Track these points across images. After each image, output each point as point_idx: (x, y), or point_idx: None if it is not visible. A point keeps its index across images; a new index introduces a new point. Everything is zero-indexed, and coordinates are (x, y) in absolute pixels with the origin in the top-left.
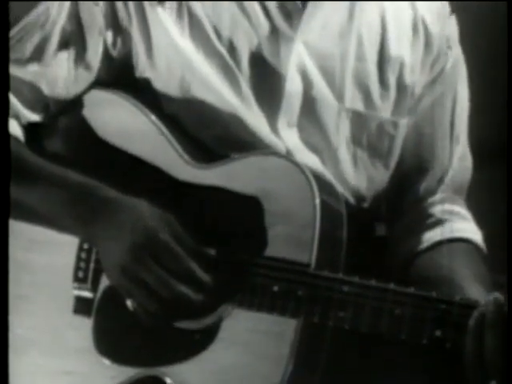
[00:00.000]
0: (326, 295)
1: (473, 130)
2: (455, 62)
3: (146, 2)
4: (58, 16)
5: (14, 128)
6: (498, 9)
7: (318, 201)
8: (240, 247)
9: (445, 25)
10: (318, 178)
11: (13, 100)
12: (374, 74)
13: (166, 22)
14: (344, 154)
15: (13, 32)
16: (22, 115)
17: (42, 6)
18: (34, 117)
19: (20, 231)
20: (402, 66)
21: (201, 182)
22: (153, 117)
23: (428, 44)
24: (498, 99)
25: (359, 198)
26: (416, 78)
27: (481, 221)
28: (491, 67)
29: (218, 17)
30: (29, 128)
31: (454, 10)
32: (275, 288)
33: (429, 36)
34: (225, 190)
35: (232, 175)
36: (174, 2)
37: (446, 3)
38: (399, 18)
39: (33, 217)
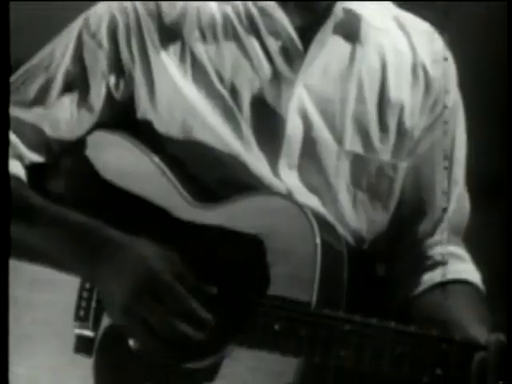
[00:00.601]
0: (327, 334)
1: (470, 170)
2: (454, 106)
3: (149, 46)
4: (61, 59)
5: (17, 168)
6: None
7: (318, 240)
8: (242, 286)
9: (444, 69)
10: (319, 217)
11: (16, 141)
12: (374, 117)
13: (168, 65)
14: (344, 196)
15: (17, 75)
16: (25, 156)
17: (46, 49)
18: (37, 158)
19: (21, 269)
20: (401, 109)
21: (203, 221)
22: (155, 158)
23: (427, 88)
24: (496, 140)
25: (359, 239)
26: (415, 121)
27: (479, 260)
28: (490, 106)
29: (220, 60)
30: (32, 169)
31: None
32: (276, 327)
33: (428, 80)
34: (227, 229)
35: (234, 215)
36: (178, 46)
37: (445, 49)
38: (399, 62)
39: (34, 256)
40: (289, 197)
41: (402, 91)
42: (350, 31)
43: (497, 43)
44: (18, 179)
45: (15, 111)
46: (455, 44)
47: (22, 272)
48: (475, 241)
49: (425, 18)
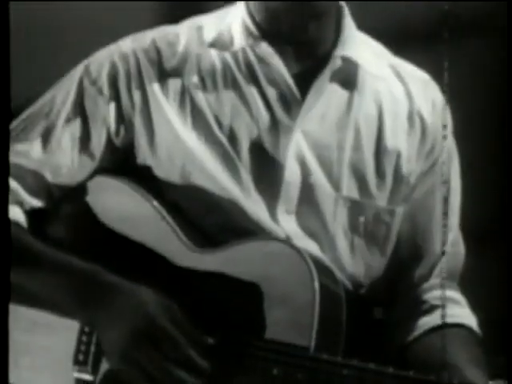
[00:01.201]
0: (325, 378)
1: (465, 214)
2: (449, 152)
3: (149, 92)
4: (62, 105)
5: (17, 214)
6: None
7: (317, 284)
8: (240, 331)
9: (439, 116)
10: (317, 262)
11: (16, 187)
12: (371, 164)
13: (168, 111)
14: (341, 241)
15: (17, 121)
16: (25, 202)
17: (46, 96)
18: (37, 203)
19: (20, 313)
20: (398, 156)
21: (202, 267)
22: (155, 202)
23: (424, 135)
24: (491, 184)
25: (357, 284)
26: (412, 168)
27: (475, 304)
28: (486, 150)
29: (219, 107)
30: (32, 214)
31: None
32: (275, 371)
33: (424, 127)
34: (225, 275)
35: (232, 260)
36: (178, 92)
37: (441, 96)
38: (395, 109)
39: (33, 301)
40: (287, 241)
41: (398, 138)
42: (348, 79)
43: (496, 92)
44: (18, 225)
45: (16, 158)
46: (453, 88)
47: (20, 316)
48: (471, 284)
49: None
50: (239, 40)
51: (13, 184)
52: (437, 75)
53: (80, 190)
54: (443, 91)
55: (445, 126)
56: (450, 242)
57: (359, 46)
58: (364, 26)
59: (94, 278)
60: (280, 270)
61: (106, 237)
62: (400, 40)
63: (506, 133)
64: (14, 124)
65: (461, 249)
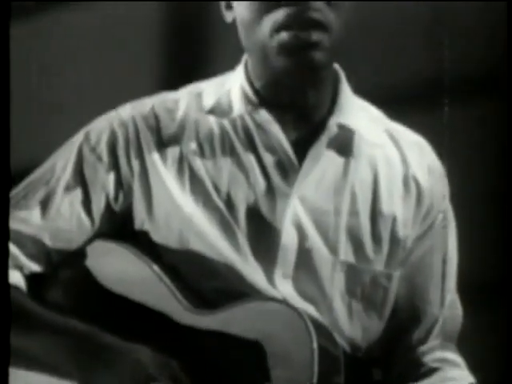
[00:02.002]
0: None
1: (463, 274)
2: (445, 216)
3: (147, 159)
4: (62, 172)
5: (17, 278)
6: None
7: (315, 345)
8: None
9: (435, 180)
10: (316, 322)
11: (16, 252)
12: (367, 228)
13: (166, 178)
14: (339, 305)
15: (17, 189)
16: (24, 266)
17: (46, 164)
18: (37, 267)
19: (17, 375)
20: (394, 221)
21: (200, 326)
22: (153, 266)
23: (419, 199)
24: (488, 244)
25: (355, 347)
26: (408, 232)
27: (474, 365)
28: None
29: (217, 173)
30: (31, 278)
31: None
32: None
33: (420, 192)
34: (225, 334)
35: (231, 320)
36: (176, 159)
37: (436, 161)
38: (391, 174)
39: (33, 364)
40: (284, 302)
41: (394, 203)
42: (344, 145)
43: (496, 155)
44: (17, 289)
45: (15, 224)
46: (452, 152)
47: (18, 377)
48: (469, 345)
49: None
50: (238, 107)
51: (13, 249)
52: (436, 138)
53: (79, 254)
54: (440, 154)
55: (441, 190)
56: (447, 304)
57: (355, 113)
58: (361, 89)
59: (93, 340)
60: (278, 329)
61: (105, 300)
62: (398, 102)
63: (504, 194)
64: (14, 191)
65: (458, 311)
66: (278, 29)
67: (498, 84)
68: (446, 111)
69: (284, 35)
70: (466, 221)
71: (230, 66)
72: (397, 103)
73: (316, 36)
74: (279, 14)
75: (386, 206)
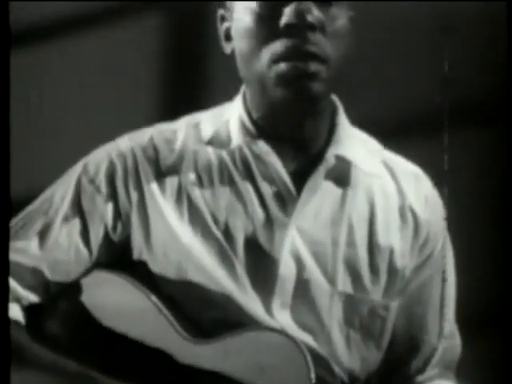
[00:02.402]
0: None
1: (461, 303)
2: (443, 245)
3: (146, 190)
4: (60, 203)
5: (15, 312)
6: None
7: (313, 376)
8: None
9: (432, 210)
10: (313, 352)
11: (14, 285)
12: (365, 259)
13: (164, 208)
14: (337, 335)
15: (16, 220)
16: (22, 298)
17: (45, 194)
18: (35, 298)
19: None
20: (391, 251)
21: (199, 360)
22: (151, 296)
23: (416, 230)
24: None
25: (353, 378)
26: (406, 262)
27: None
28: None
29: (215, 203)
30: (29, 309)
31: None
32: None
33: (417, 222)
34: (221, 374)
35: (229, 350)
36: (174, 189)
37: (433, 191)
38: (387, 205)
39: None
40: (283, 332)
41: (390, 234)
42: (341, 176)
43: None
44: (16, 323)
45: (14, 256)
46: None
47: None
48: (467, 374)
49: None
50: (236, 138)
51: (10, 281)
52: (436, 164)
53: (77, 285)
54: (440, 181)
55: (437, 220)
56: (446, 333)
57: (353, 144)
58: (360, 116)
59: (83, 382)
60: (276, 360)
61: (102, 334)
62: (398, 132)
63: (504, 221)
64: (12, 222)
65: (457, 340)
66: (276, 60)
67: (498, 109)
68: (445, 137)
69: (282, 66)
70: (465, 248)
71: (227, 96)
72: (396, 130)
73: (314, 67)
74: (278, 46)
75: (383, 237)
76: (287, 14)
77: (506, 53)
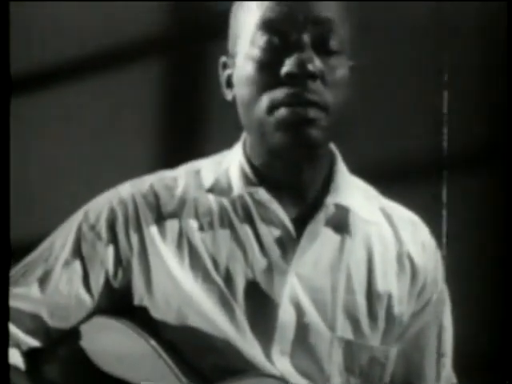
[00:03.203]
0: None
1: (458, 349)
2: (440, 292)
3: (147, 236)
4: (61, 250)
5: (15, 358)
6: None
7: None
8: None
9: (430, 257)
10: None
11: (14, 330)
12: (363, 306)
13: (165, 254)
14: (337, 381)
15: (17, 268)
16: (22, 343)
17: (46, 242)
18: (35, 343)
19: None
20: (389, 298)
21: None
22: (151, 341)
23: (414, 276)
24: (483, 319)
25: None
26: (403, 309)
27: None
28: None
29: (216, 249)
30: (29, 354)
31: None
32: None
33: (414, 268)
34: None
35: None
36: (175, 235)
37: (430, 238)
38: (385, 252)
39: None
40: (283, 378)
41: (388, 280)
42: (340, 223)
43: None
44: (16, 369)
45: (14, 302)
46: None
47: None
48: None
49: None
50: (237, 186)
51: (11, 327)
52: (434, 213)
53: (77, 331)
54: (432, 231)
55: (435, 267)
56: (443, 380)
57: (351, 192)
58: (359, 164)
59: None
60: None
61: (102, 378)
62: (396, 179)
63: (502, 273)
64: (13, 270)
65: None
66: (276, 105)
67: (498, 154)
68: (444, 187)
69: (282, 111)
70: (463, 297)
71: (227, 144)
72: (395, 178)
73: (313, 113)
74: (278, 93)
75: (380, 284)
76: (289, 64)
77: (505, 96)
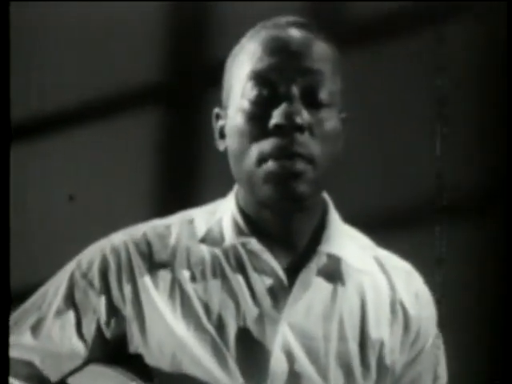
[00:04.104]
0: None
1: None
2: (434, 342)
3: (140, 284)
4: (53, 298)
5: None
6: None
7: None
8: None
9: (423, 306)
10: None
11: (10, 380)
12: (356, 354)
13: (158, 302)
14: None
15: (11, 316)
16: None
17: (39, 291)
18: None
19: None
20: (381, 346)
21: None
22: None
23: (407, 325)
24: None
25: None
26: (396, 358)
27: None
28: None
29: (208, 298)
30: None
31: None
32: None
33: (407, 317)
34: None
35: None
36: (168, 284)
37: (424, 287)
38: (378, 300)
39: None
40: None
41: (381, 329)
42: (332, 273)
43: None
44: None
45: (10, 351)
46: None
47: None
48: None
49: None
50: (229, 237)
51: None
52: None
53: (73, 379)
54: (424, 282)
55: (428, 316)
56: None
57: (343, 242)
58: (352, 213)
59: None
60: None
61: None
62: (388, 227)
63: (500, 321)
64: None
65: None
66: (264, 158)
67: (493, 200)
68: (437, 229)
69: (270, 164)
70: (457, 345)
71: (220, 194)
72: (391, 227)
73: (300, 166)
74: (266, 145)
75: (373, 333)
76: (277, 115)
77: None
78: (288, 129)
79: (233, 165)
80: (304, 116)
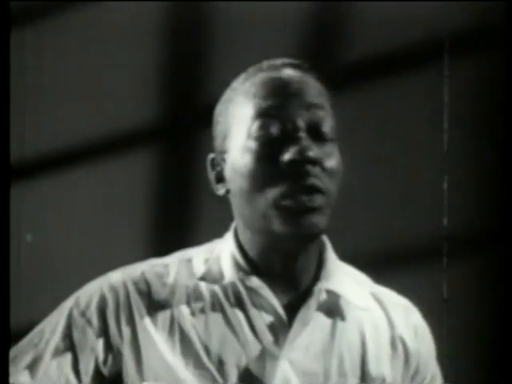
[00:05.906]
0: None
1: None
2: (433, 375)
3: (138, 322)
4: (51, 336)
5: None
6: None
7: None
8: None
9: (422, 340)
10: None
11: None
12: None
13: (157, 340)
14: None
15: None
16: None
17: (36, 329)
18: None
19: None
20: (382, 382)
21: None
22: None
23: (407, 360)
24: None
25: None
26: None
27: None
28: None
29: (207, 335)
30: None
31: None
32: None
33: (407, 352)
34: None
35: None
36: (167, 321)
37: (422, 321)
38: (378, 336)
39: None
40: None
41: (381, 364)
42: (331, 309)
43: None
44: None
45: None
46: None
47: None
48: None
49: None
50: (229, 274)
51: None
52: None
53: None
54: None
55: (427, 350)
56: None
57: (342, 279)
58: (348, 252)
59: None
60: None
61: None
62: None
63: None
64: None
65: None
66: (283, 197)
67: (498, 243)
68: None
69: (288, 202)
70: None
71: (214, 235)
72: (393, 265)
73: (317, 200)
74: (284, 185)
75: (373, 368)
76: (291, 151)
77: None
78: (302, 164)
79: (241, 205)
80: (315, 150)
